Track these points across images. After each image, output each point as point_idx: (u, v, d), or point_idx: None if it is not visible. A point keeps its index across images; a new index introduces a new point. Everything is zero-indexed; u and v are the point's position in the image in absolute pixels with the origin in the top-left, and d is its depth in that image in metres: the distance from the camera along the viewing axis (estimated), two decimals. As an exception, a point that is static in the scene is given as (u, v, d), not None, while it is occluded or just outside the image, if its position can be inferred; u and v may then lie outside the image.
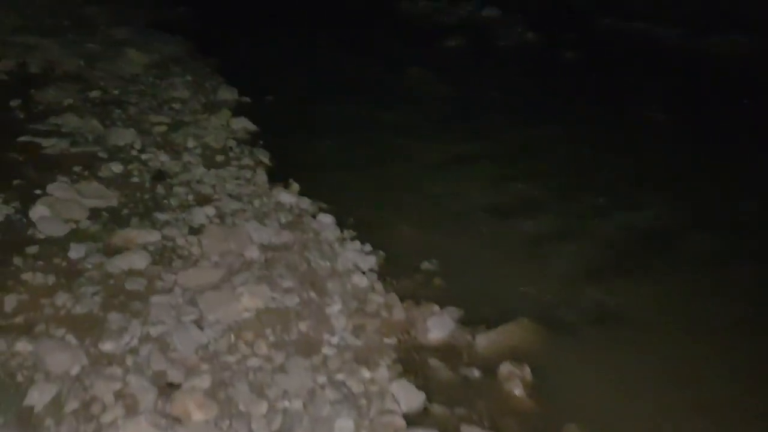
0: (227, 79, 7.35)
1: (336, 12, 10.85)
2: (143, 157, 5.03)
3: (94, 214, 4.11)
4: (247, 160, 5.38)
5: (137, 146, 5.17)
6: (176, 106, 6.18)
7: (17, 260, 3.52)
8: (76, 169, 4.63)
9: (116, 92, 6.22)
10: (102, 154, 4.94)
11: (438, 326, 3.60)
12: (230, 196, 4.72)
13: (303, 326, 3.44)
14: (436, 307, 3.74)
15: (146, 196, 4.48)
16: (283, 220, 4.52)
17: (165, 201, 4.46)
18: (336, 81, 7.55)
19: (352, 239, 4.45)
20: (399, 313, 3.68)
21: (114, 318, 3.20)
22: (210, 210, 4.42)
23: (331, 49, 8.87)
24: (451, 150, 5.84)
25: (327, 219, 4.64)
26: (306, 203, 4.78)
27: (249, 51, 8.76)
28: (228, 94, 6.73)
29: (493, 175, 5.45)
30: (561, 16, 10.11)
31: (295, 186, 5.07)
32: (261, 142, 5.80)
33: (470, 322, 3.68)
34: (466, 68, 8.03)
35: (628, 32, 9.41)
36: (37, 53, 6.53)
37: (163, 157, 5.07)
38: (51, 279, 3.41)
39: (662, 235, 4.72)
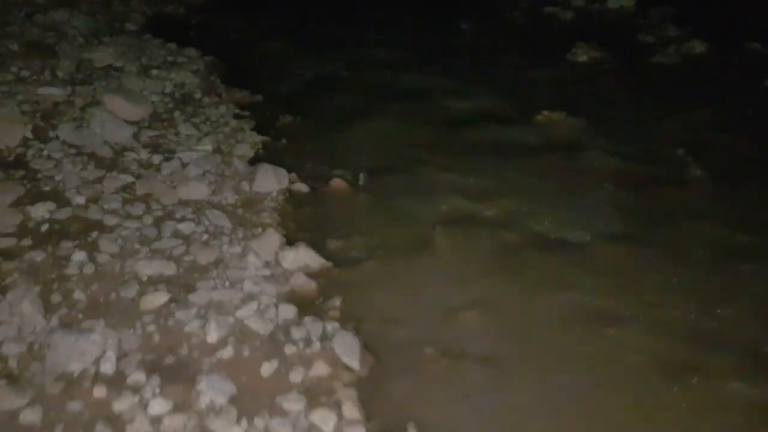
0: (267, 140, 4.68)
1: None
2: (117, 408, 2.43)
3: None
4: (320, 367, 2.80)
5: (108, 369, 2.57)
6: (187, 223, 3.53)
7: None
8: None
9: (80, 199, 3.57)
10: (30, 417, 2.34)
11: None
12: None
13: None
14: None
15: None
16: None
17: None
18: (440, 139, 4.83)
19: None
20: None
21: None
22: None
23: (411, 62, 6.13)
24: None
25: None
26: None
27: (291, 70, 6.04)
28: (272, 180, 4.04)
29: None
30: (719, 9, 7.17)
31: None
32: (337, 305, 3.19)
33: None
34: (625, 110, 5.22)
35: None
36: (-51, 124, 3.88)
37: (160, 403, 2.46)
38: None
39: None
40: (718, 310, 3.21)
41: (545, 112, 5.05)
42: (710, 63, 6.07)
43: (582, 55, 6.17)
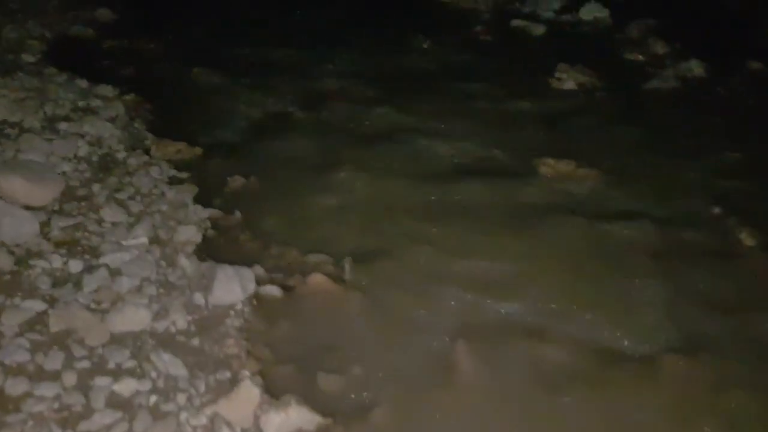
0: (216, 215, 3.71)
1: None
2: None
3: None
4: None
5: None
6: (126, 379, 2.53)
7: None
8: None
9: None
10: None
11: None
12: None
13: None
14: None
15: None
16: None
17: None
18: (431, 201, 3.97)
19: None
20: None
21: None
22: None
23: (373, 94, 5.26)
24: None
25: None
26: None
27: (232, 109, 5.06)
28: (234, 288, 3.07)
29: None
30: (702, 17, 6.53)
31: None
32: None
33: None
34: (637, 154, 4.45)
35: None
36: None
37: None
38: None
39: None
40: None
41: (550, 161, 4.25)
42: (713, 88, 5.41)
43: (567, 80, 5.41)
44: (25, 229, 3.20)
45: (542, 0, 6.85)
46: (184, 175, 4.10)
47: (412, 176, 4.22)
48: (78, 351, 2.61)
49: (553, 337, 2.98)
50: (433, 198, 4.01)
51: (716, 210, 3.86)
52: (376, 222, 3.79)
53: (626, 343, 2.94)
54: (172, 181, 4.00)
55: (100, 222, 3.42)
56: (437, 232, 3.68)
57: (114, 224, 3.41)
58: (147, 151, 4.30)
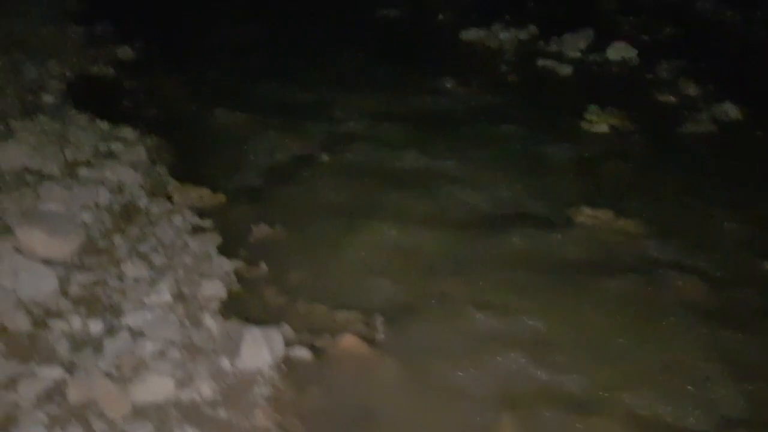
0: (241, 267, 3.59)
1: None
2: None
3: None
4: None
5: None
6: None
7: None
8: None
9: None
10: None
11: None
12: None
13: None
14: None
15: None
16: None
17: None
18: (465, 254, 3.79)
19: None
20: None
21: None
22: None
23: (400, 138, 5.09)
24: None
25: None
26: None
27: (256, 152, 4.93)
28: (263, 351, 2.89)
29: None
30: (738, 61, 6.36)
31: None
32: None
33: None
34: (677, 202, 4.27)
35: None
36: None
37: None
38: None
39: None
40: None
41: (587, 210, 4.08)
42: (751, 131, 5.22)
43: (598, 122, 5.25)
44: (43, 285, 3.05)
45: (568, 39, 6.72)
46: (207, 223, 3.96)
47: (443, 226, 4.06)
48: (98, 425, 2.43)
49: (605, 409, 2.77)
50: (466, 250, 3.84)
51: (765, 265, 3.65)
52: (407, 276, 3.62)
53: (689, 419, 2.73)
54: (195, 230, 3.86)
55: (121, 277, 3.26)
56: (471, 288, 3.51)
57: (136, 280, 3.26)
58: (169, 198, 4.16)
